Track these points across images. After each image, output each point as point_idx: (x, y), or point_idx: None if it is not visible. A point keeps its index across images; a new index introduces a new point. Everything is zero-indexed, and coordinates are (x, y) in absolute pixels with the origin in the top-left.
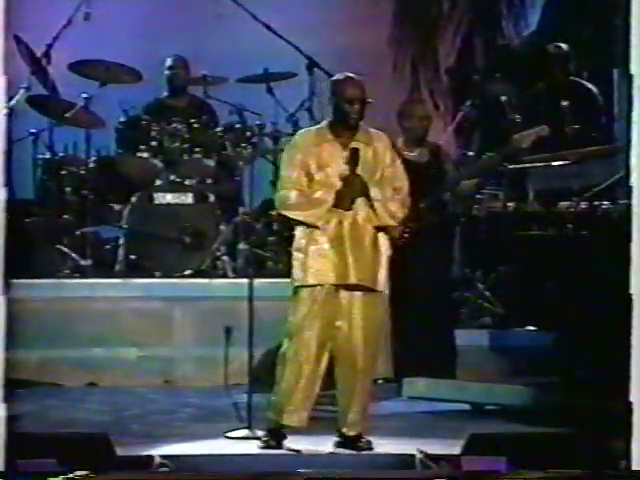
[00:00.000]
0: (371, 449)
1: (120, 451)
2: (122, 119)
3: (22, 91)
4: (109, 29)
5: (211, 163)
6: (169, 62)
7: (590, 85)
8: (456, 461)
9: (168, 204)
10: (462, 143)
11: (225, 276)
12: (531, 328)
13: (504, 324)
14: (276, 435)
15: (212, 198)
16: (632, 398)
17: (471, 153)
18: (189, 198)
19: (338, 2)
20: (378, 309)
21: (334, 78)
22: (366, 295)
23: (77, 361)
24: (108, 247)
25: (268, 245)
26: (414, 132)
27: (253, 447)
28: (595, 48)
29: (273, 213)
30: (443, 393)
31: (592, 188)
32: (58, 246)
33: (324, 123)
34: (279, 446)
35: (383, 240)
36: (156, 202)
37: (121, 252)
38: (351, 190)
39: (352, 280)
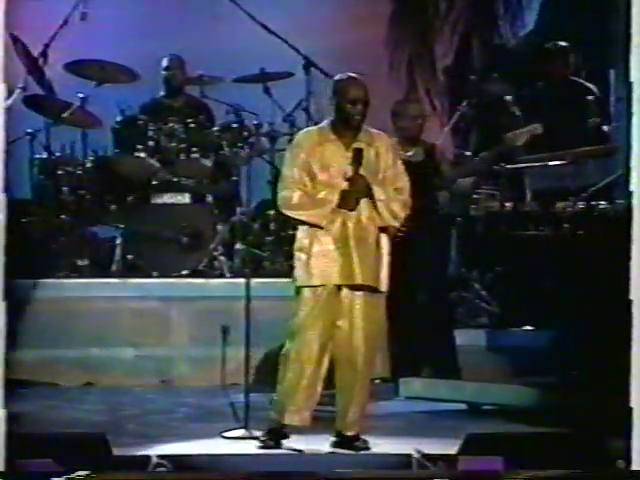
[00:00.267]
0: (368, 449)
1: (117, 451)
2: (119, 119)
3: (19, 91)
4: (106, 29)
5: (208, 163)
6: (165, 62)
7: (590, 85)
8: (453, 461)
9: (165, 204)
10: (459, 143)
11: (222, 276)
12: (528, 328)
13: (501, 324)
14: (277, 435)
15: (209, 198)
16: (632, 404)
17: (468, 153)
18: (186, 198)
19: (335, 2)
20: (379, 309)
21: (336, 78)
22: (367, 295)
23: (74, 361)
24: (105, 247)
25: (265, 245)
26: (408, 131)
27: (250, 447)
28: (591, 48)
29: (270, 213)
30: (440, 393)
31: (589, 188)
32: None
33: (326, 123)
34: (278, 446)
35: (385, 240)
36: (153, 202)
37: (118, 252)
38: (355, 190)
39: (357, 280)
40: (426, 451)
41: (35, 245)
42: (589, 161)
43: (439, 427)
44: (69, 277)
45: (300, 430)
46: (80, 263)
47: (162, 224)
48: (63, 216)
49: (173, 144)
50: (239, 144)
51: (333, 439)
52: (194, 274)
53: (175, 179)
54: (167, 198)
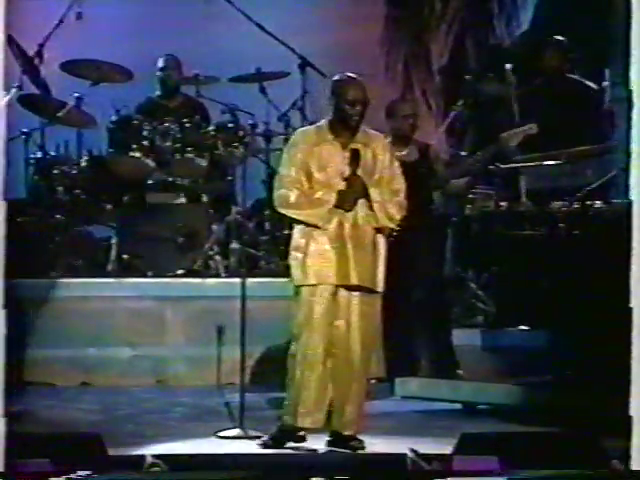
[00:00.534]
0: (363, 448)
1: (112, 450)
2: (114, 118)
3: (14, 90)
4: (101, 28)
5: (203, 163)
6: (161, 63)
7: (590, 83)
8: (448, 460)
9: (160, 204)
10: (454, 143)
11: (217, 275)
12: (524, 328)
13: (497, 323)
14: (288, 437)
15: (204, 198)
16: (632, 412)
17: (463, 153)
18: (181, 198)
19: (331, 1)
20: (375, 309)
21: (335, 78)
22: (364, 295)
23: (70, 361)
24: (100, 247)
25: (260, 244)
26: (401, 131)
27: (245, 446)
28: (586, 48)
29: (266, 212)
30: (435, 392)
31: (584, 187)
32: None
33: (323, 122)
34: (281, 444)
35: (381, 241)
36: (148, 202)
37: (113, 252)
38: (352, 191)
39: (353, 281)
40: (421, 451)
41: (30, 245)
42: (584, 161)
43: (434, 427)
44: (64, 277)
45: (318, 432)
46: (75, 263)
47: (157, 224)
48: (58, 216)
49: (168, 144)
50: (234, 144)
51: (328, 438)
52: (189, 274)
53: (170, 179)
54: (162, 198)
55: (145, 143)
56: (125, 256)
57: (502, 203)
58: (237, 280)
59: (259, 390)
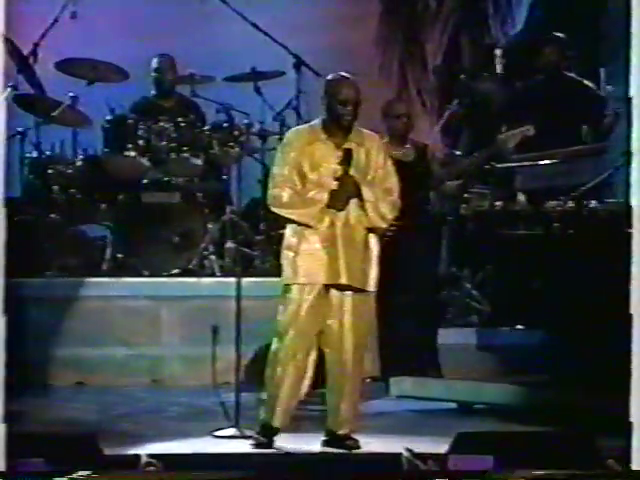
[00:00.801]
0: (358, 448)
1: (108, 450)
2: (109, 118)
3: (9, 89)
4: (96, 27)
5: (198, 162)
6: (155, 64)
7: (588, 82)
8: (443, 460)
9: (155, 203)
10: (449, 142)
11: (213, 275)
12: (519, 327)
13: (491, 323)
14: (268, 433)
15: (199, 197)
16: (632, 418)
17: (458, 152)
18: (176, 197)
19: (326, 1)
20: (368, 309)
21: (328, 78)
22: (356, 295)
23: (65, 360)
24: (96, 246)
25: (256, 244)
26: (397, 130)
27: (240, 446)
28: (581, 48)
29: (261, 212)
30: (431, 392)
31: (579, 187)
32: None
33: (317, 122)
34: (270, 444)
35: (374, 240)
36: (143, 201)
37: (108, 251)
38: (345, 190)
39: (343, 280)
40: (416, 450)
41: (25, 244)
42: (579, 160)
43: (429, 426)
44: (59, 276)
45: (291, 429)
46: (70, 262)
47: (153, 223)
48: (53, 215)
49: (163, 143)
50: (229, 143)
51: (324, 438)
52: (185, 273)
53: (166, 178)
54: (158, 197)
55: (140, 142)
56: (120, 255)
57: (497, 202)
58: (232, 279)
59: (254, 389)
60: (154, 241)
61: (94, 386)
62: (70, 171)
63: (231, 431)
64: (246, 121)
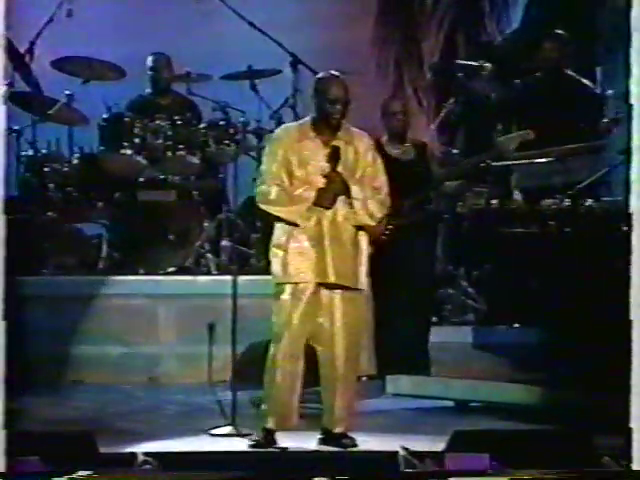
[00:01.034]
0: (355, 446)
1: (104, 448)
2: (105, 116)
3: (5, 87)
4: (92, 26)
5: (195, 160)
6: (151, 62)
7: (586, 81)
8: (440, 458)
9: (151, 201)
10: (446, 140)
11: (209, 273)
12: (515, 325)
13: (487, 321)
14: (270, 434)
15: (196, 195)
16: (632, 424)
17: (455, 151)
18: (173, 195)
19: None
20: (359, 307)
21: (318, 76)
22: (347, 293)
23: (61, 358)
24: (92, 244)
25: (252, 242)
26: (394, 128)
27: (237, 444)
28: (577, 46)
29: (257, 210)
30: (427, 390)
31: (575, 185)
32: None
33: (306, 119)
34: (270, 445)
35: (364, 238)
36: (139, 199)
37: (105, 249)
38: (332, 188)
39: (330, 279)
40: (413, 448)
41: (21, 243)
42: (575, 158)
43: (426, 424)
44: (55, 274)
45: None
46: (67, 260)
47: (149, 221)
48: (49, 213)
49: (160, 141)
50: (226, 141)
51: (320, 436)
52: (181, 271)
53: (162, 176)
54: (154, 195)
55: (136, 141)
56: (116, 253)
57: (493, 201)
58: (228, 277)
59: (250, 387)
60: (150, 239)
61: (91, 384)
62: (66, 169)
63: (227, 429)
64: (242, 119)
